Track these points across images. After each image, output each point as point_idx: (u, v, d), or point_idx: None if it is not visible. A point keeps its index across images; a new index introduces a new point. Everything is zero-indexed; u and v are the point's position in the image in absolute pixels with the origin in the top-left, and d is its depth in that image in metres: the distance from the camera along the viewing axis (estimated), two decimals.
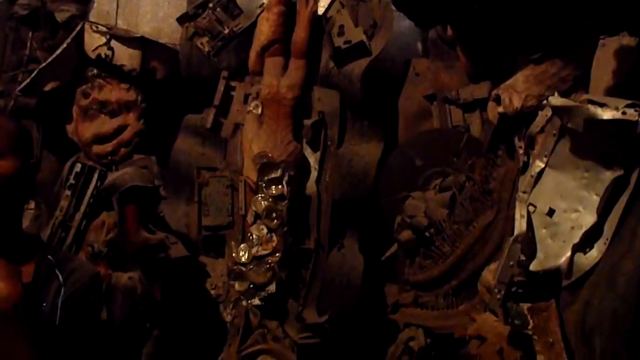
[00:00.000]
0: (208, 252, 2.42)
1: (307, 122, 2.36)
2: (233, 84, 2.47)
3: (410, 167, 2.10)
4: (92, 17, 2.60)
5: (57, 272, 1.32)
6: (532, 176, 1.18)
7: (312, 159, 2.40)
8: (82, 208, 2.36)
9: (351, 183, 2.34)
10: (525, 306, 1.17)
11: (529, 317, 1.15)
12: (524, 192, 1.20)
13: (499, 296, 1.19)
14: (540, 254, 1.20)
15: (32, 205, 2.72)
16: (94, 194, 2.36)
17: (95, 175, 2.36)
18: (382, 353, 2.04)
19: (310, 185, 2.39)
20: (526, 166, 1.28)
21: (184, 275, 2.19)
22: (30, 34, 2.61)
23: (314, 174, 2.39)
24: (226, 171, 2.41)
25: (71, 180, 2.38)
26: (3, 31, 2.70)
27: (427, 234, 1.74)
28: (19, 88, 2.36)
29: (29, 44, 2.60)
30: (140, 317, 1.94)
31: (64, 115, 2.54)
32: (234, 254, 2.28)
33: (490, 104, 1.44)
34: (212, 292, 2.32)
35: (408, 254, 1.86)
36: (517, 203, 1.21)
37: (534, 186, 1.19)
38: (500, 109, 1.36)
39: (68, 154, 2.56)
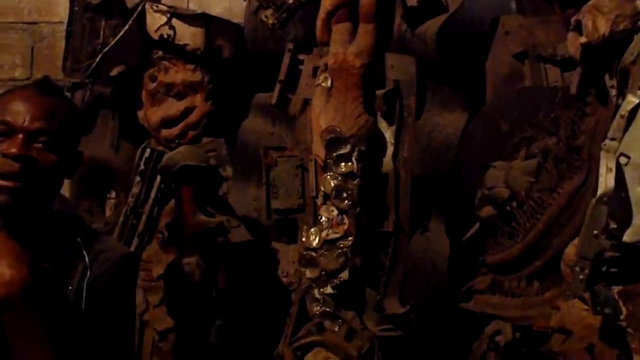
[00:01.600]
0: (280, 238, 2.28)
1: (380, 92, 2.15)
2: (301, 57, 2.31)
3: (495, 134, 1.83)
4: (163, 0, 2.55)
5: (84, 253, 1.22)
6: (622, 116, 0.89)
7: (388, 133, 2.17)
8: (152, 194, 2.30)
9: (432, 157, 2.12)
10: (616, 289, 0.88)
11: (620, 303, 0.86)
12: (612, 139, 0.91)
13: (581, 276, 0.92)
14: (637, 220, 0.91)
15: (112, 194, 2.74)
16: (164, 179, 2.29)
17: None
18: (468, 346, 1.80)
19: (387, 162, 2.16)
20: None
21: (250, 261, 2.05)
22: (103, 22, 2.61)
23: (390, 149, 2.16)
24: (295, 150, 2.26)
25: (141, 166, 2.33)
26: (81, 23, 2.73)
27: (507, 207, 1.46)
28: (86, 74, 2.34)
29: (101, 33, 2.59)
30: (201, 305, 1.83)
31: (136, 101, 2.51)
32: (304, 239, 2.11)
33: (571, 35, 1.15)
34: (284, 279, 2.17)
35: (490, 232, 1.59)
36: (602, 154, 0.92)
37: (625, 130, 0.90)
38: (583, 39, 1.06)
39: (142, 140, 2.53)
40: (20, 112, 1.14)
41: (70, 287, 1.18)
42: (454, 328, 1.96)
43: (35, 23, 3.11)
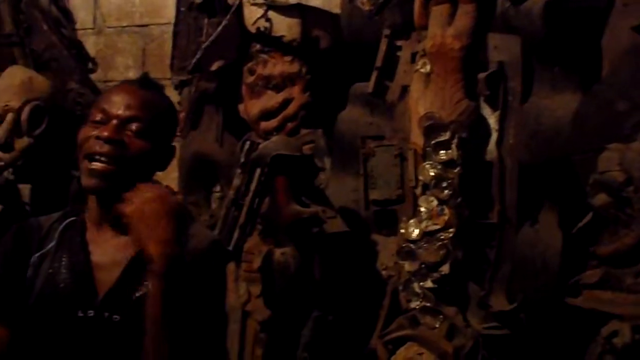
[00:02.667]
0: (380, 230, 2.22)
1: (482, 75, 2.02)
2: (398, 43, 2.23)
3: (611, 114, 1.65)
4: None
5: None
6: None
7: (492, 118, 2.05)
8: (253, 186, 2.32)
9: (541, 143, 1.95)
10: None
11: None
12: None
13: None
14: None
15: (217, 187, 2.81)
16: (264, 170, 2.31)
17: None
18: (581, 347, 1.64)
19: (491, 149, 2.04)
20: None
21: (347, 253, 2.01)
22: (206, 20, 2.68)
23: (494, 136, 2.04)
24: (394, 139, 2.19)
25: (242, 159, 2.36)
26: (186, 22, 2.83)
27: (623, 192, 1.31)
28: (188, 69, 2.41)
29: (205, 31, 2.66)
30: (296, 295, 1.81)
31: (238, 95, 2.55)
32: (402, 230, 2.04)
33: None
34: (383, 272, 2.11)
35: (604, 222, 1.44)
36: None
37: None
38: None
39: (244, 134, 2.57)
40: (117, 101, 1.20)
41: None
42: (566, 327, 1.80)
43: (146, 25, 3.27)
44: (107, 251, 1.19)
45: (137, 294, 1.15)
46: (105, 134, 1.15)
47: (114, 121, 1.17)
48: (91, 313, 1.16)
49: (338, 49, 2.40)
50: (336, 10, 2.47)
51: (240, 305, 2.24)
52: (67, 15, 3.12)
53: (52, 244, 1.22)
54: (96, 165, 1.15)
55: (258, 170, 2.30)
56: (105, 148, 1.14)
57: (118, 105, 1.19)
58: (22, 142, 2.46)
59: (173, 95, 2.89)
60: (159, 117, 1.23)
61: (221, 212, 2.49)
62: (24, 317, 1.18)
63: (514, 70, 2.02)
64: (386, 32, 2.21)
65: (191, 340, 1.13)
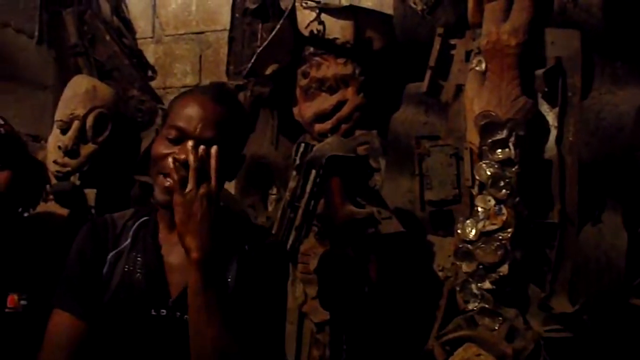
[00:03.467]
0: (436, 230, 2.20)
1: (540, 71, 1.98)
2: (452, 41, 2.21)
3: None
4: None
5: (240, 243, 1.27)
6: None
7: (550, 115, 2.01)
8: (308, 188, 2.34)
9: (602, 140, 1.90)
10: None
11: None
12: None
13: None
14: None
15: (274, 190, 2.84)
16: (320, 173, 2.32)
17: None
18: None
19: (550, 147, 2.00)
20: None
21: (403, 254, 2.00)
22: (260, 26, 2.72)
23: (553, 133, 2.00)
24: (449, 139, 2.16)
25: (297, 161, 2.38)
26: (241, 28, 2.88)
27: None
28: (243, 74, 2.45)
29: (259, 36, 2.70)
30: (353, 296, 1.82)
31: (292, 98, 2.58)
32: (459, 231, 2.01)
33: None
34: (440, 273, 2.09)
35: None
36: None
37: None
38: None
39: (299, 136, 2.59)
40: (193, 118, 1.19)
41: (229, 278, 1.23)
42: (631, 329, 1.74)
43: (202, 32, 3.34)
44: (178, 253, 1.21)
45: None
46: (182, 157, 1.14)
47: (190, 142, 1.15)
48: (164, 312, 1.21)
49: (391, 49, 2.39)
50: (388, 10, 2.47)
51: (297, 307, 2.27)
52: (128, 25, 3.24)
53: (127, 242, 1.28)
54: (171, 184, 1.16)
55: (313, 172, 2.32)
56: (183, 172, 1.13)
57: (194, 123, 1.19)
58: (87, 148, 2.55)
59: None
60: (236, 134, 1.24)
61: (277, 214, 2.52)
62: (100, 313, 1.23)
63: (573, 65, 1.97)
64: (439, 31, 2.19)
65: (251, 333, 1.16)
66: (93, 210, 2.69)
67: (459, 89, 2.18)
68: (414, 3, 2.24)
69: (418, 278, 2.03)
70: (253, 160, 2.71)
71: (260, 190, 2.79)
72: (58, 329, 1.24)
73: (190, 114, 1.20)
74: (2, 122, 1.82)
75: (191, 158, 1.11)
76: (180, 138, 1.19)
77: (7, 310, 1.74)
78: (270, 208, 2.80)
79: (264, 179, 2.78)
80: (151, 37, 3.42)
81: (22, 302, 1.76)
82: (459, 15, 2.20)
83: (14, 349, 1.72)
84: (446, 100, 2.21)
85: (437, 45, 2.19)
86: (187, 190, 1.10)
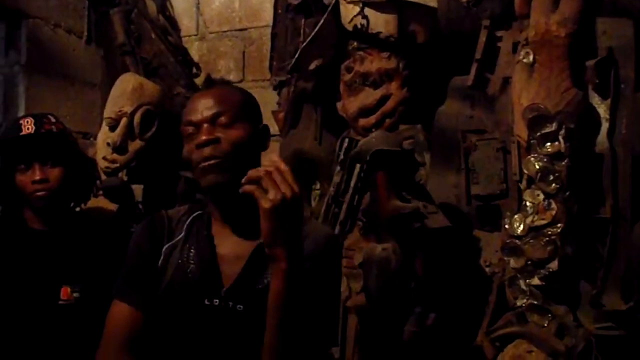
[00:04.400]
0: (483, 225, 2.16)
1: (591, 63, 1.93)
2: (499, 33, 2.17)
3: None
4: None
5: None
6: None
7: (602, 107, 1.95)
8: (352, 182, 2.34)
9: None
10: None
11: None
12: None
13: None
14: None
15: (317, 185, 2.84)
16: (363, 167, 2.32)
17: None
18: None
19: (601, 140, 1.95)
20: None
21: (450, 249, 1.98)
22: (303, 21, 2.72)
23: (604, 126, 1.95)
24: (496, 132, 2.13)
25: (341, 156, 2.37)
26: (284, 24, 2.88)
27: None
28: (287, 69, 2.45)
29: (302, 32, 2.70)
30: (397, 292, 1.81)
31: (335, 93, 2.57)
32: (507, 226, 1.98)
33: None
34: (487, 269, 2.06)
35: None
36: None
37: None
38: None
39: (342, 131, 2.58)
40: (197, 109, 1.28)
41: None
42: None
43: (245, 29, 3.37)
44: (230, 245, 1.26)
45: (259, 286, 1.22)
46: (203, 137, 1.23)
47: (204, 125, 1.25)
48: (217, 302, 1.23)
49: (435, 42, 2.36)
50: (432, 3, 2.43)
51: (342, 301, 2.27)
52: (173, 24, 3.28)
53: (181, 235, 1.32)
54: (205, 164, 1.23)
55: (357, 167, 2.31)
56: (208, 150, 1.23)
57: (199, 111, 1.27)
58: (135, 145, 2.60)
59: (272, 95, 2.98)
60: (237, 104, 1.30)
61: (321, 209, 2.53)
62: (156, 303, 1.27)
63: (626, 55, 1.91)
64: (485, 22, 2.16)
65: (307, 332, 1.16)
66: (140, 206, 2.75)
67: (506, 81, 2.14)
68: None
69: (465, 273, 2.00)
70: (296, 156, 2.71)
71: (304, 185, 2.79)
72: (117, 319, 1.28)
73: (195, 107, 1.28)
74: (54, 121, 1.87)
75: (281, 166, 1.13)
76: (195, 130, 1.26)
77: (60, 302, 1.80)
78: (313, 203, 2.80)
79: (307, 174, 2.78)
80: (195, 35, 3.47)
81: (75, 295, 1.82)
82: (505, 6, 2.16)
83: (67, 340, 1.78)
84: (493, 94, 2.17)
85: (483, 38, 2.15)
86: (273, 197, 1.11)
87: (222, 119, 1.26)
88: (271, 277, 1.15)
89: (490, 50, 2.18)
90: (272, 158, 1.16)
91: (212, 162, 1.23)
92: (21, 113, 2.82)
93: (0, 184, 1.85)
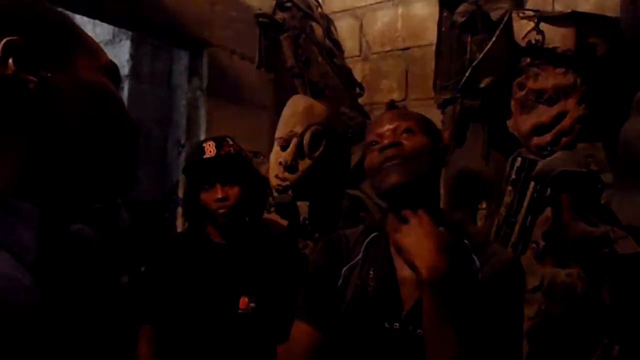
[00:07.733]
0: None
1: None
2: None
3: None
4: (528, 7, 2.50)
5: (474, 256, 1.26)
6: None
7: None
8: (525, 203, 2.25)
9: None
10: None
11: None
12: None
13: None
14: None
15: (483, 204, 2.77)
16: (537, 187, 2.22)
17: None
18: None
19: None
20: None
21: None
22: (469, 38, 2.68)
23: None
24: None
25: (512, 176, 2.30)
26: (448, 42, 2.85)
27: None
28: (458, 87, 2.42)
29: (468, 49, 2.66)
30: (582, 320, 1.69)
31: (505, 111, 2.50)
32: None
33: None
34: None
35: None
36: None
37: None
38: None
39: (512, 150, 2.50)
40: (381, 123, 1.35)
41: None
42: None
43: (408, 48, 3.38)
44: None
45: None
46: (386, 141, 1.28)
47: (387, 133, 1.31)
48: (397, 326, 1.23)
49: (616, 54, 2.22)
50: (610, 13, 2.29)
51: None
52: (337, 46, 3.38)
53: (359, 256, 1.34)
54: (388, 164, 1.26)
55: (531, 187, 2.22)
56: (390, 151, 1.26)
57: (383, 124, 1.33)
58: (304, 164, 2.69)
59: (436, 114, 2.95)
60: (420, 119, 1.35)
61: (490, 229, 2.46)
62: (335, 325, 1.29)
63: None
64: None
65: (491, 353, 1.13)
66: (307, 222, 2.83)
67: None
68: None
69: None
70: (462, 174, 2.67)
71: (469, 204, 2.73)
72: (298, 338, 1.31)
73: (380, 121, 1.34)
74: (232, 143, 1.98)
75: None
76: (380, 140, 1.31)
77: (239, 311, 1.89)
78: (479, 223, 2.73)
79: (473, 193, 2.72)
80: (358, 56, 3.54)
81: (252, 305, 1.89)
82: None
83: (244, 348, 1.86)
84: None
85: None
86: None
87: (405, 128, 1.30)
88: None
89: None
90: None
91: (395, 161, 1.26)
92: (202, 133, 3.05)
93: (188, 203, 2.00)
